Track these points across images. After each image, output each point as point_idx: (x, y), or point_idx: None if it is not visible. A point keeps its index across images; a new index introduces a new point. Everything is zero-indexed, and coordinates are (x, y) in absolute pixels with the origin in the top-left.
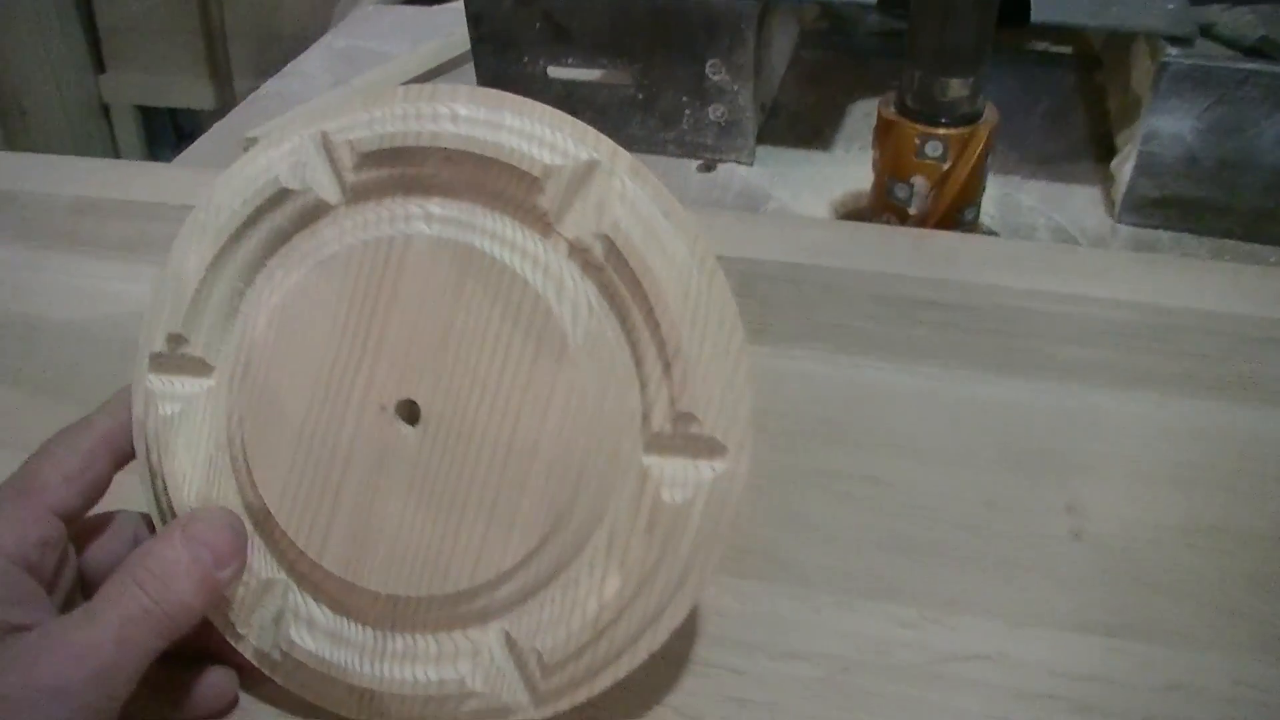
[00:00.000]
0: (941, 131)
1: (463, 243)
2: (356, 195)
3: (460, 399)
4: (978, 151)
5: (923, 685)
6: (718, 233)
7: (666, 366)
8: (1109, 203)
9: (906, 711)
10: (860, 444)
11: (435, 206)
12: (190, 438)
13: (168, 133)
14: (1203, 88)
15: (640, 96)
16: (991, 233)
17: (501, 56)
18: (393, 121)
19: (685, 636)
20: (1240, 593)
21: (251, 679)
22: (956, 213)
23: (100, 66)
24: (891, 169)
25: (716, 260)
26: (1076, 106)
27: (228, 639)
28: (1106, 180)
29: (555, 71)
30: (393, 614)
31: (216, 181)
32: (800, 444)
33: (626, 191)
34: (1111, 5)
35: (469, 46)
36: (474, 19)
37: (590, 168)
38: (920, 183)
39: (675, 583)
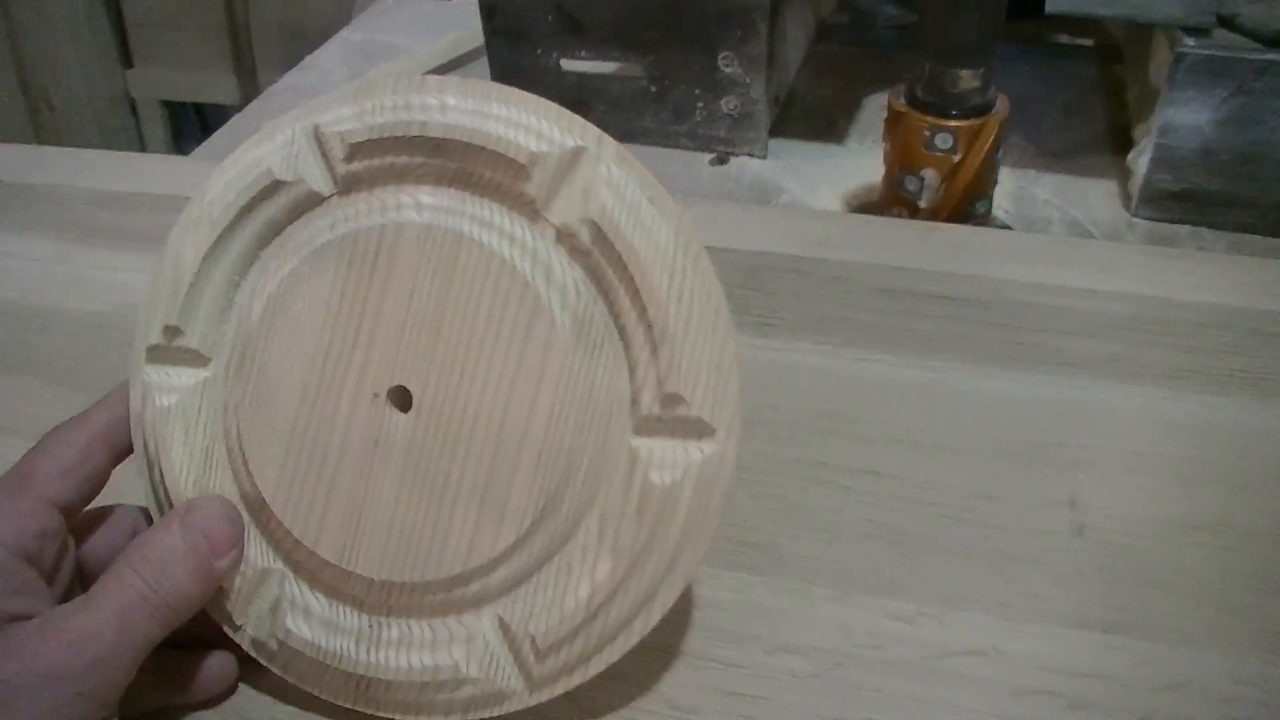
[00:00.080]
0: (952, 123)
1: (452, 230)
2: (348, 186)
3: (452, 385)
4: (988, 144)
5: (918, 680)
6: (724, 225)
7: (654, 349)
8: (1125, 196)
9: (901, 707)
10: (862, 437)
11: (425, 195)
12: (187, 429)
13: (194, 127)
14: (1220, 79)
15: (653, 89)
16: (1005, 226)
17: (515, 49)
18: (382, 113)
19: (680, 628)
20: (1241, 590)
21: (247, 669)
22: (967, 205)
23: (128, 62)
24: (902, 161)
25: (702, 245)
26: (1096, 99)
27: (226, 630)
28: (1124, 174)
29: (568, 64)
30: (387, 601)
31: (212, 174)
32: (801, 437)
33: (612, 177)
34: None
35: (484, 40)
36: (487, 12)
37: (576, 154)
38: (930, 175)
39: (666, 565)
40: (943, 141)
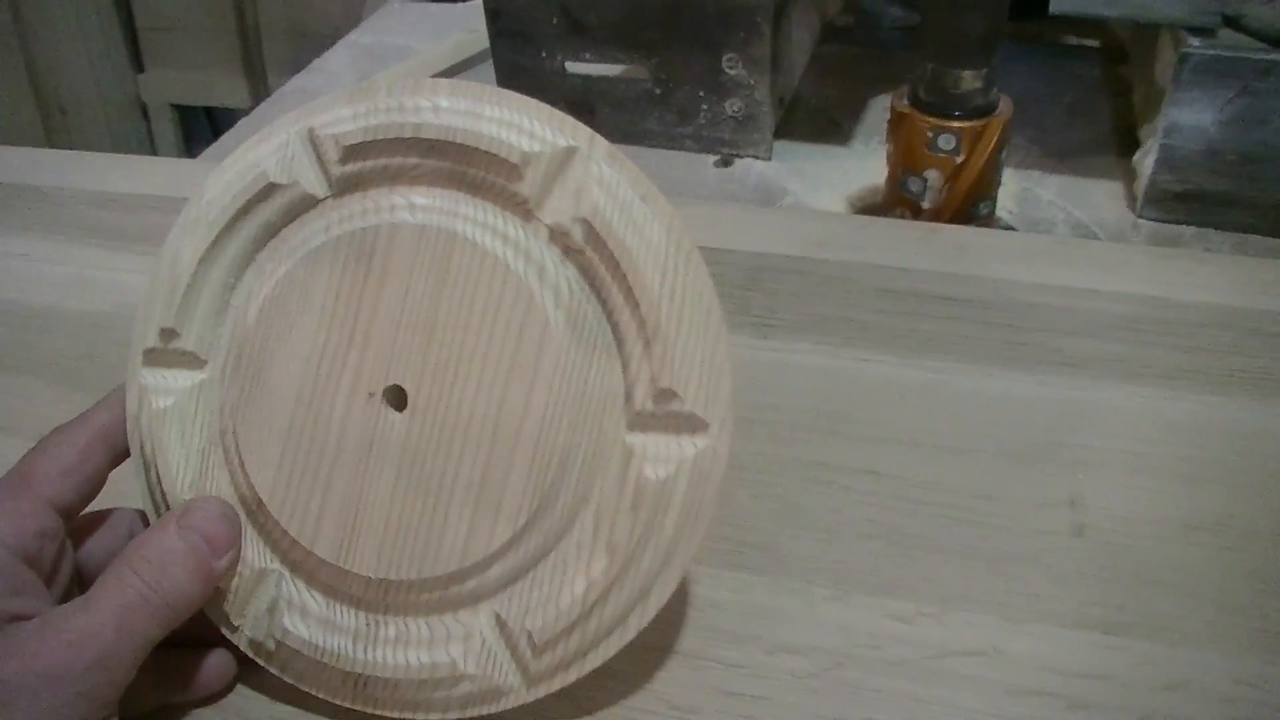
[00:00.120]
0: (954, 124)
1: (446, 230)
2: (342, 188)
3: (446, 384)
4: (991, 144)
5: (918, 680)
6: (726, 226)
7: (646, 345)
8: (1130, 197)
9: (901, 707)
10: (862, 437)
11: (419, 196)
12: (183, 430)
13: (204, 131)
14: (1225, 79)
15: (657, 91)
16: (1009, 227)
17: (520, 51)
18: (376, 114)
19: (679, 628)
20: (1241, 590)
21: (245, 668)
22: (970, 206)
23: (139, 66)
24: (904, 162)
25: (694, 243)
26: (1101, 100)
27: (223, 632)
28: (1129, 175)
29: (573, 66)
30: (384, 599)
31: (208, 177)
32: (801, 437)
33: (604, 177)
34: None
35: (489, 43)
36: (492, 14)
37: (569, 154)
38: (933, 176)
39: (661, 560)
40: (945, 142)
